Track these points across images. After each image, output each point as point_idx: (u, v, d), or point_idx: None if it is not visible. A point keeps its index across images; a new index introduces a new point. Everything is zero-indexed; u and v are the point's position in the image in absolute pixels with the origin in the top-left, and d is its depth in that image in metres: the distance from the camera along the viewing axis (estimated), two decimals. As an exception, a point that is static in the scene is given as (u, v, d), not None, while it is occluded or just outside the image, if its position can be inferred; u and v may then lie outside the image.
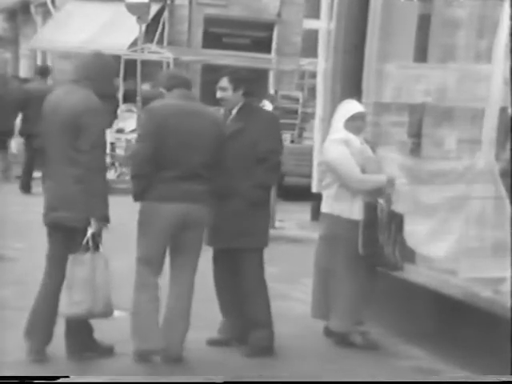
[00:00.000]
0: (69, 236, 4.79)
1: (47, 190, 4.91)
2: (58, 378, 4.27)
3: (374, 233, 5.40)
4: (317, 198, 6.50)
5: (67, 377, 4.32)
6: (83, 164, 4.70)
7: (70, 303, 4.77)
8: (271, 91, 15.63)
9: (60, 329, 4.93)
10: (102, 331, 5.57)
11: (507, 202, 5.12)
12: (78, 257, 4.76)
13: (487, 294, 5.05)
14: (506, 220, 5.10)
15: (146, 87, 15.60)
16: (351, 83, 6.36)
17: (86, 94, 4.84)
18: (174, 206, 4.84)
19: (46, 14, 19.03)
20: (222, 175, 5.04)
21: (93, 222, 4.74)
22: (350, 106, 5.59)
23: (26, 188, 11.75)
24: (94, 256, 4.77)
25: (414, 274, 5.58)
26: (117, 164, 13.68)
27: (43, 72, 12.22)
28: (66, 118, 4.76)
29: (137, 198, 4.99)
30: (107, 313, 4.91)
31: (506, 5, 5.20)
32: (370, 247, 5.40)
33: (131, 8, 14.68)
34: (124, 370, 4.89)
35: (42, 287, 4.94)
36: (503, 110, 5.28)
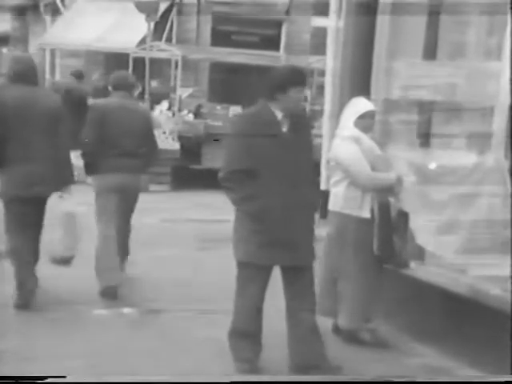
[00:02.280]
0: (43, 203, 6.05)
1: (20, 170, 5.87)
2: (53, 377, 4.24)
3: (389, 233, 5.39)
4: (324, 196, 6.49)
5: (64, 377, 4.31)
6: (62, 146, 6.00)
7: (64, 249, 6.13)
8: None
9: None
10: (108, 326, 5.60)
11: (516, 199, 5.12)
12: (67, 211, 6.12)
13: (496, 292, 5.04)
14: (515, 217, 5.09)
15: (154, 84, 15.75)
16: (360, 81, 6.34)
17: (47, 90, 6.57)
18: (116, 175, 6.44)
19: (56, 13, 19.07)
20: (154, 153, 6.77)
21: (67, 188, 6.09)
22: (361, 104, 5.57)
23: None
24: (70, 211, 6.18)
25: (423, 271, 5.57)
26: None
27: (79, 75, 13.70)
28: (49, 111, 5.96)
29: (88, 172, 6.56)
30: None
31: (516, 1, 5.19)
32: (386, 248, 5.40)
33: (140, 6, 14.71)
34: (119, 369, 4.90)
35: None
36: (512, 107, 5.27)
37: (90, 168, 6.52)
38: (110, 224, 6.48)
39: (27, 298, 5.92)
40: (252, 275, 4.86)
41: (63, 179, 6.05)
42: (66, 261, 6.12)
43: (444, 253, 5.52)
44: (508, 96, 5.20)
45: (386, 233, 5.38)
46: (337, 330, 5.69)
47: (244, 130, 4.79)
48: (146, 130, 6.69)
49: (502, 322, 4.90)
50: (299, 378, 4.80)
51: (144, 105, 6.47)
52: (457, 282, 5.30)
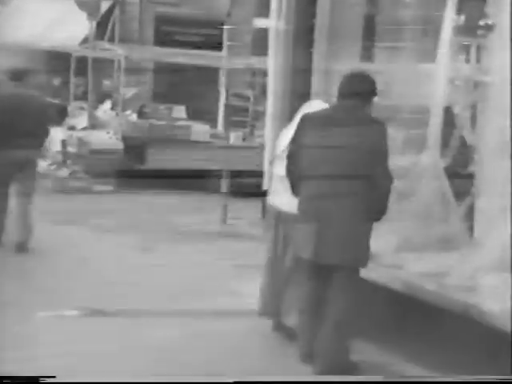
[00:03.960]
0: None
1: None
2: (45, 377, 4.22)
3: None
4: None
5: (53, 377, 4.30)
6: None
7: None
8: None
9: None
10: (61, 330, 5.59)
11: (451, 197, 5.26)
12: None
13: (432, 288, 5.17)
14: (451, 215, 5.23)
15: (107, 83, 15.75)
16: (301, 82, 6.43)
17: None
18: (17, 152, 7.73)
19: (-6, 11, 18.79)
20: None
21: None
22: (317, 106, 5.58)
23: None
24: None
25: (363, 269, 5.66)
26: (69, 162, 13.53)
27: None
28: None
29: None
30: None
31: (450, 4, 5.33)
32: None
33: (81, 4, 14.62)
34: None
35: None
36: (447, 108, 5.43)
37: None
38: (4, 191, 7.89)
39: None
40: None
41: None
42: None
43: (382, 250, 5.63)
44: (443, 97, 5.35)
45: None
46: (279, 327, 5.76)
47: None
48: (39, 113, 8.01)
49: (438, 317, 5.03)
50: (299, 378, 4.80)
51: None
52: (394, 279, 5.41)
